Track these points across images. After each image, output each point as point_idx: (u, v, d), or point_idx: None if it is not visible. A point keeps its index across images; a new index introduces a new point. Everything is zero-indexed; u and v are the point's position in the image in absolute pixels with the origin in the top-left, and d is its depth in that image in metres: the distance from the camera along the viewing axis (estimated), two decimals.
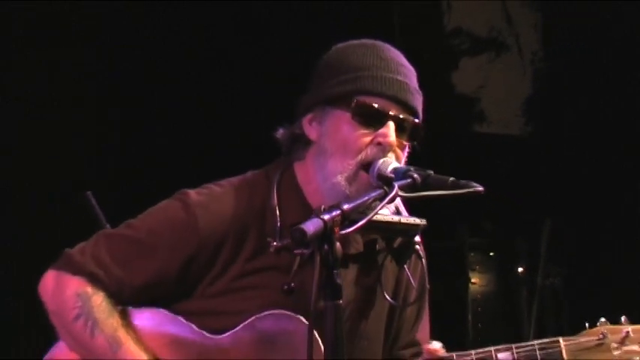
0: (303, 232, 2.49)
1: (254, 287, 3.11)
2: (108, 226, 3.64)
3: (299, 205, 3.16)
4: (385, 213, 3.00)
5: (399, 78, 3.13)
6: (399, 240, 3.16)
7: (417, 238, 3.00)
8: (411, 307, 3.28)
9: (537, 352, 3.03)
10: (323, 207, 2.59)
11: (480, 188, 2.80)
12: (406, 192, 2.80)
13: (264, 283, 3.07)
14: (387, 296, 3.19)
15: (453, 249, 6.14)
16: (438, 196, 2.85)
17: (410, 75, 3.16)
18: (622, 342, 3.07)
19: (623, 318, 3.06)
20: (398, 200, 3.02)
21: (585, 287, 5.42)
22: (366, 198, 2.69)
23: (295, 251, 2.63)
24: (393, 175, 2.85)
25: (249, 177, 3.25)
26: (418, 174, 2.80)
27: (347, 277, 3.11)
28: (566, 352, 3.04)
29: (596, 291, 5.90)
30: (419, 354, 3.22)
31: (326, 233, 2.55)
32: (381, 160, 2.93)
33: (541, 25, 7.20)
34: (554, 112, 6.99)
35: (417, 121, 3.09)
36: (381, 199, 2.73)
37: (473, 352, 2.99)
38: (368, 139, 3.05)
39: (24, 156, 6.19)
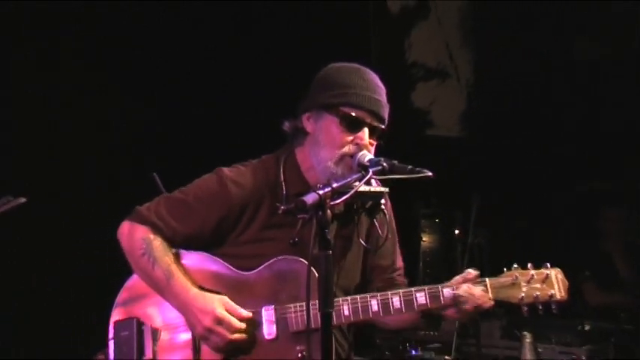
0: (304, 202, 2.68)
1: (271, 239, 3.20)
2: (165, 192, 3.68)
3: (299, 180, 3.27)
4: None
5: (375, 96, 3.22)
6: (369, 202, 3.30)
7: (383, 201, 3.17)
8: (387, 245, 3.40)
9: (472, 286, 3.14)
10: (318, 184, 2.77)
11: (430, 173, 3.00)
12: (378, 175, 2.98)
13: (278, 236, 3.19)
14: (361, 241, 3.35)
15: (409, 217, 6.17)
16: (400, 178, 3.00)
17: (382, 93, 3.26)
18: (528, 282, 3.15)
19: (529, 265, 3.20)
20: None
21: (502, 244, 5.48)
22: (350, 179, 2.89)
23: (298, 216, 2.77)
24: (369, 164, 3.00)
25: (264, 159, 3.36)
26: (386, 163, 2.97)
27: (332, 231, 3.23)
28: (490, 288, 3.13)
29: (510, 247, 5.95)
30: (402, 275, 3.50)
31: (320, 203, 2.68)
32: (360, 153, 3.07)
33: (473, 61, 7.24)
34: (481, 121, 7.07)
35: (383, 127, 3.22)
36: (359, 180, 2.92)
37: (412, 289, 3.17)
38: (349, 138, 3.16)
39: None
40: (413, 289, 3.14)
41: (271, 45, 5.98)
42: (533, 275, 3.17)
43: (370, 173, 2.93)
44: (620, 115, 6.35)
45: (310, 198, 2.67)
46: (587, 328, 5.48)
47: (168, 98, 5.85)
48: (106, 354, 3.25)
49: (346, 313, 3.10)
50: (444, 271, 6.00)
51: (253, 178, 3.28)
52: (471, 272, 3.16)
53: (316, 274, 2.79)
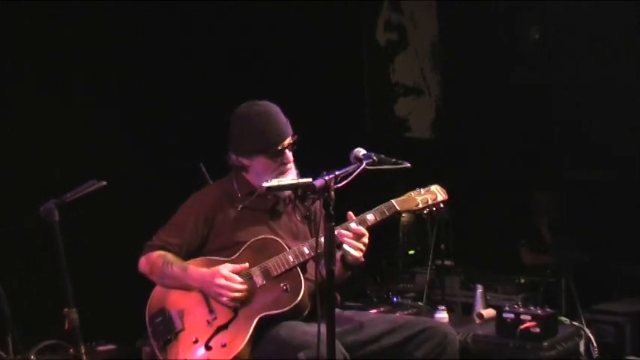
0: (314, 185, 2.66)
1: (240, 228, 3.20)
2: (210, 181, 3.68)
3: (247, 187, 3.26)
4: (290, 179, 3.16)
5: (281, 127, 3.21)
6: (300, 191, 3.28)
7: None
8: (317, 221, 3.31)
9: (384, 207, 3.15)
10: (324, 172, 2.71)
11: (408, 165, 2.99)
12: (369, 166, 2.89)
13: (246, 225, 3.21)
14: (298, 217, 3.34)
15: (390, 199, 6.10)
16: (386, 169, 2.96)
17: (282, 117, 3.23)
18: (419, 194, 3.23)
19: (417, 189, 3.30)
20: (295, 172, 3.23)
21: (462, 220, 5.41)
22: (349, 168, 2.84)
23: (311, 196, 2.68)
24: (362, 157, 2.93)
25: (221, 180, 3.38)
26: (376, 156, 2.94)
27: (286, 212, 3.33)
28: (397, 204, 3.16)
29: (468, 222, 5.89)
30: None
31: (326, 186, 2.64)
32: (356, 149, 2.96)
33: (441, 81, 7.18)
34: (447, 127, 7.05)
35: (295, 136, 3.23)
36: (355, 169, 2.82)
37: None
38: (278, 163, 3.18)
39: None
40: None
41: (277, 69, 5.51)
42: (421, 191, 3.26)
43: (364, 164, 2.85)
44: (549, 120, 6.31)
45: (318, 182, 2.65)
46: (522, 281, 5.53)
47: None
48: (149, 341, 3.19)
49: (291, 259, 3.06)
50: (418, 240, 5.95)
51: (214, 191, 3.32)
52: (350, 217, 3.10)
53: (280, 241, 3.09)
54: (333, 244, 2.61)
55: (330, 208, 2.61)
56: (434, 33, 7.16)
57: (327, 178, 2.64)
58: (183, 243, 3.21)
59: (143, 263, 3.23)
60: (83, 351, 2.83)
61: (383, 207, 3.16)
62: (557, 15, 6.22)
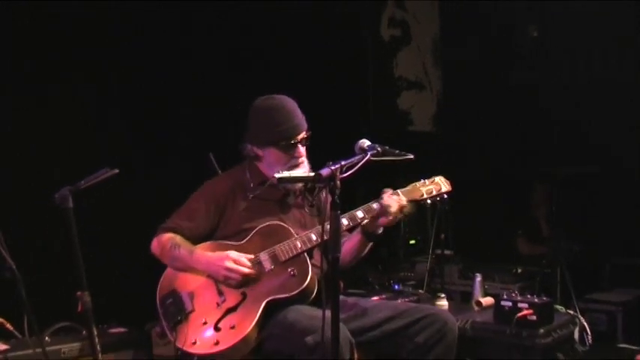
0: (321, 175, 2.64)
1: (249, 216, 3.21)
2: (219, 171, 3.64)
3: (259, 177, 3.27)
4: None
5: (296, 121, 3.22)
6: (309, 184, 3.25)
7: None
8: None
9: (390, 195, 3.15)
10: (330, 162, 2.69)
11: (411, 156, 2.99)
12: (374, 157, 2.88)
13: (256, 213, 3.22)
14: (307, 210, 3.36)
15: (393, 189, 6.09)
16: (389, 159, 2.95)
17: (298, 112, 3.25)
18: (424, 185, 3.25)
19: (422, 180, 3.30)
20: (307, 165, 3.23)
21: (461, 210, 5.40)
22: (354, 159, 2.82)
23: (317, 185, 2.68)
24: (367, 148, 2.90)
25: (234, 168, 3.38)
26: (380, 147, 2.92)
27: (294, 203, 3.34)
28: (402, 194, 3.15)
29: (466, 212, 5.89)
30: None
31: (332, 175, 2.63)
32: (362, 140, 2.93)
33: (442, 77, 7.17)
34: (447, 120, 7.10)
35: (309, 132, 3.24)
36: (360, 160, 2.79)
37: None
38: (290, 156, 3.19)
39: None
40: (352, 211, 3.16)
41: (284, 66, 5.38)
42: (425, 182, 3.28)
43: (368, 155, 2.82)
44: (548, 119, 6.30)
45: (325, 172, 2.63)
46: (519, 270, 5.51)
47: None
48: (160, 322, 3.19)
49: (299, 245, 3.09)
50: (419, 230, 5.94)
51: (227, 180, 3.33)
52: (386, 190, 3.17)
53: (288, 227, 3.11)
54: (339, 231, 2.59)
55: (336, 196, 2.59)
56: (435, 30, 7.20)
57: (333, 167, 2.62)
58: (194, 227, 3.22)
59: (155, 245, 3.24)
60: (95, 333, 2.82)
61: (390, 197, 3.14)
62: (555, 15, 6.24)
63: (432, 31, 7.18)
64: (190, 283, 3.15)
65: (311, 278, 3.04)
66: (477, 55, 6.75)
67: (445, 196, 3.27)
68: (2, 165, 4.15)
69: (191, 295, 3.12)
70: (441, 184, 3.27)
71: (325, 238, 2.57)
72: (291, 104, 3.24)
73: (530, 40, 6.55)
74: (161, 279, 3.22)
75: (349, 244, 3.28)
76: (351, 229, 3.23)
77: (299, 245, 3.08)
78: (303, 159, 3.22)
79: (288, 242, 3.09)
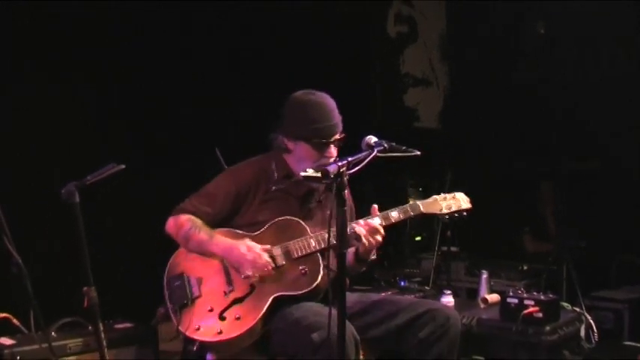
0: (328, 171, 2.60)
1: (268, 209, 3.17)
2: (226, 166, 3.62)
3: (285, 170, 3.23)
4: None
5: (332, 122, 3.17)
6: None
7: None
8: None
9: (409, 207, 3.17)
10: (336, 157, 2.91)
11: (418, 153, 2.93)
12: (380, 153, 2.81)
13: (273, 206, 3.17)
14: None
15: (399, 186, 6.08)
16: (396, 155, 2.89)
17: (335, 113, 3.20)
18: (444, 199, 3.22)
19: (442, 194, 3.26)
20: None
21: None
22: (361, 155, 2.76)
23: (323, 181, 2.65)
24: (374, 144, 2.83)
25: (261, 156, 3.31)
26: (387, 143, 2.85)
27: (315, 201, 3.29)
28: (422, 206, 3.17)
29: (473, 208, 5.88)
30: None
31: (339, 172, 2.60)
32: (368, 137, 2.87)
33: (448, 73, 7.16)
34: (453, 117, 7.08)
35: (343, 135, 3.18)
36: (367, 156, 2.74)
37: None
38: (320, 155, 3.13)
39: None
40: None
41: (290, 64, 5.34)
42: (446, 196, 3.24)
43: (375, 151, 2.77)
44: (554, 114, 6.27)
45: (332, 168, 2.60)
46: (525, 268, 5.52)
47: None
48: (165, 305, 3.14)
49: (313, 243, 3.04)
50: (424, 226, 5.93)
51: (252, 168, 3.26)
52: (374, 211, 3.10)
53: (303, 224, 3.06)
54: (345, 228, 2.58)
55: (343, 192, 2.57)
56: (442, 26, 7.19)
57: (339, 164, 2.60)
58: (211, 213, 3.18)
59: (171, 224, 3.21)
60: (101, 328, 2.81)
61: (408, 207, 3.16)
62: (561, 13, 6.22)
63: (439, 27, 7.18)
64: (200, 268, 3.13)
65: (321, 279, 3.02)
66: (484, 52, 6.74)
67: (464, 213, 3.23)
68: (2, 165, 4.13)
69: (199, 281, 3.10)
70: (461, 201, 3.24)
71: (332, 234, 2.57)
72: (330, 103, 3.20)
73: (537, 37, 6.53)
74: (170, 259, 3.20)
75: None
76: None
77: (313, 244, 3.05)
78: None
79: (303, 239, 3.07)
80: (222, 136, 3.93)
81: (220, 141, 3.78)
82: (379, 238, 3.03)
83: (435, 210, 3.19)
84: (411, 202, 3.19)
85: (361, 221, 3.05)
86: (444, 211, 3.20)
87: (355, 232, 3.01)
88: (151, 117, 4.77)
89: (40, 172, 4.23)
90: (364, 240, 3.01)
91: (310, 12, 5.64)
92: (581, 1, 5.91)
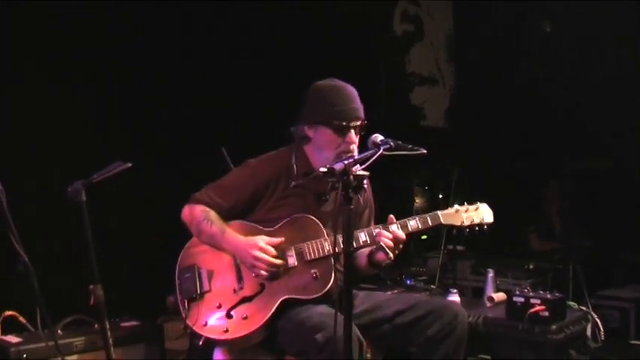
0: (333, 169, 2.61)
1: (286, 205, 3.13)
2: (232, 166, 3.63)
3: (306, 164, 3.16)
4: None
5: (353, 105, 3.09)
6: (355, 182, 3.03)
7: (365, 182, 2.71)
8: (364, 217, 3.26)
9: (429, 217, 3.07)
10: (342, 155, 2.80)
11: (424, 151, 2.92)
12: (386, 151, 2.79)
13: (290, 203, 3.13)
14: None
15: (406, 184, 6.08)
16: (402, 154, 2.88)
17: (357, 99, 3.12)
18: (466, 211, 3.11)
19: (465, 203, 3.15)
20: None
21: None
22: (367, 154, 2.78)
23: (329, 179, 2.64)
24: (380, 143, 2.81)
25: (280, 150, 3.25)
26: (393, 142, 2.83)
27: (332, 200, 3.21)
28: (442, 217, 3.07)
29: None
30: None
31: (345, 170, 2.60)
32: (374, 135, 2.86)
33: (455, 72, 7.16)
34: (459, 116, 7.14)
35: (363, 123, 3.09)
36: (373, 155, 2.74)
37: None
38: (341, 141, 3.05)
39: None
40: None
41: (297, 64, 5.26)
42: (468, 208, 3.13)
43: (381, 150, 2.75)
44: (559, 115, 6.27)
45: (338, 166, 2.60)
46: (531, 266, 5.53)
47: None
48: (175, 294, 3.11)
49: (327, 246, 3.00)
50: None
51: (272, 163, 3.20)
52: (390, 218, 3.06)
53: (320, 225, 3.01)
54: (351, 226, 2.58)
55: (350, 191, 2.56)
56: (449, 26, 7.19)
57: (346, 162, 2.60)
58: (226, 207, 3.15)
59: (186, 213, 3.19)
60: (108, 326, 2.82)
61: (428, 217, 3.08)
62: (565, 13, 6.21)
63: (445, 27, 7.21)
64: (212, 262, 3.11)
65: (332, 284, 2.98)
66: (490, 52, 6.76)
67: (485, 227, 3.13)
68: (2, 165, 4.09)
69: (210, 275, 3.08)
70: (483, 214, 3.14)
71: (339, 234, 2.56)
72: (351, 90, 3.14)
73: (542, 35, 6.52)
74: (183, 250, 3.18)
75: (358, 260, 3.23)
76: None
77: (327, 247, 3.00)
78: (354, 147, 3.06)
79: (317, 242, 3.03)
80: (222, 136, 3.89)
81: (220, 141, 3.78)
82: (401, 246, 2.99)
83: (455, 222, 3.09)
84: (431, 213, 3.09)
85: (385, 232, 2.98)
86: (465, 224, 3.09)
87: (381, 244, 2.96)
88: (151, 117, 4.76)
89: (40, 172, 4.23)
90: (390, 253, 2.97)
91: (315, 11, 5.60)
92: (584, 1, 5.93)
